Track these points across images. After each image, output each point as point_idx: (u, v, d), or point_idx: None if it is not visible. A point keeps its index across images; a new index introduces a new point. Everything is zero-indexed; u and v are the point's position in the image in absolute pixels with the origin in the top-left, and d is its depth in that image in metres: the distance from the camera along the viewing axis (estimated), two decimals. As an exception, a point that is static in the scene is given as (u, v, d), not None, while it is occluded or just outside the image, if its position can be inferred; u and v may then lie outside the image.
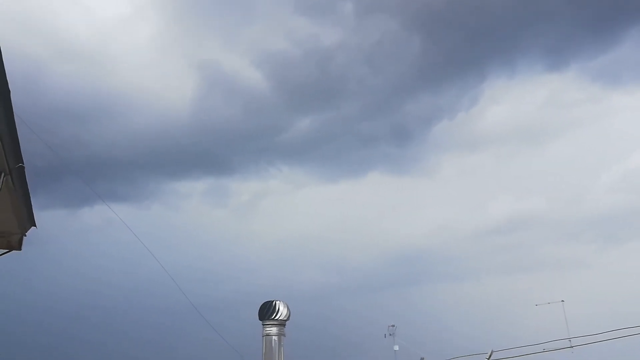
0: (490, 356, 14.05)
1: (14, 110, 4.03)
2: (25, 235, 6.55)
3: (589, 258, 48.73)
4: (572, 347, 14.36)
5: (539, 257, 50.68)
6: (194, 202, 56.51)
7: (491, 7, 45.00)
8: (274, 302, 14.35)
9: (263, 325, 14.32)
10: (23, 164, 4.76)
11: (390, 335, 23.05)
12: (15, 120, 4.15)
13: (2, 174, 4.64)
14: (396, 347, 22.44)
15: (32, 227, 6.34)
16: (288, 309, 14.34)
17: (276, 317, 14.19)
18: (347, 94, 51.96)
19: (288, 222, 59.16)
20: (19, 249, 6.73)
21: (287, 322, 14.39)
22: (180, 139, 49.25)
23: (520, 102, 56.25)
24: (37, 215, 6.13)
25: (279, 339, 14.16)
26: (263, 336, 14.24)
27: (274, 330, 14.16)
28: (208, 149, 53.24)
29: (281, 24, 47.35)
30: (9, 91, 3.85)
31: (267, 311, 14.28)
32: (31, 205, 5.79)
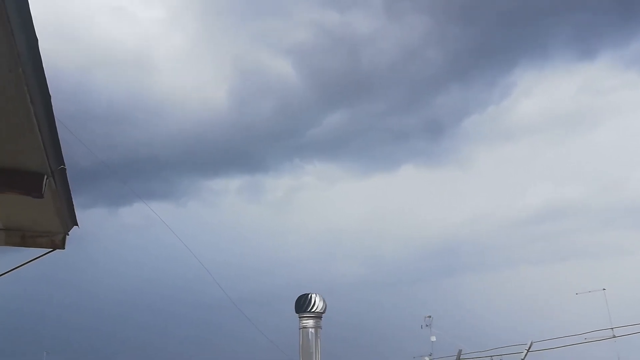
0: (530, 347, 13.85)
1: (55, 114, 4.16)
2: (68, 235, 6.74)
3: (630, 245, 47.39)
4: (614, 337, 14.02)
5: (579, 246, 49.61)
6: (230, 199, 57.20)
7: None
8: (310, 295, 14.44)
9: (300, 318, 14.43)
10: (65, 166, 4.90)
11: (427, 326, 22.91)
12: (57, 124, 4.28)
13: (45, 177, 4.78)
14: (433, 338, 22.28)
15: (75, 226, 6.52)
16: (324, 301, 14.40)
17: (312, 310, 14.28)
18: (377, 87, 51.67)
19: (323, 217, 59.36)
20: (63, 247, 6.92)
21: (323, 314, 14.47)
22: (215, 137, 49.88)
23: (554, 91, 54.95)
24: (79, 214, 6.31)
25: (316, 332, 14.25)
26: (300, 329, 14.35)
27: (310, 322, 14.25)
28: (243, 147, 53.77)
29: (312, 18, 47.30)
30: (50, 96, 3.96)
31: (303, 304, 14.38)
32: (73, 206, 5.96)
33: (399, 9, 47.55)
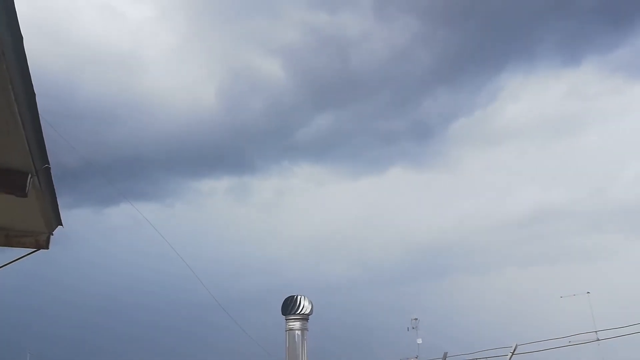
0: (514, 350, 13.92)
1: (40, 113, 4.12)
2: (53, 235, 6.67)
3: (615, 249, 47.89)
4: (598, 340, 14.14)
5: (564, 249, 50.04)
6: (217, 200, 57.01)
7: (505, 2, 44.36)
8: (296, 297, 14.40)
9: (286, 320, 14.40)
10: (49, 165, 4.86)
11: (414, 328, 23.02)
12: (41, 123, 4.24)
13: (29, 176, 4.73)
14: (419, 341, 22.40)
15: (59, 226, 6.46)
16: (311, 303, 14.38)
17: (299, 312, 14.25)
18: (366, 89, 51.82)
19: (311, 219, 59.39)
20: (47, 247, 6.85)
21: (310, 316, 14.44)
22: (203, 137, 49.73)
23: (541, 95, 55.45)
24: (64, 214, 6.25)
25: (302, 334, 14.22)
26: (286, 331, 14.31)
27: (297, 325, 14.23)
28: (231, 148, 53.64)
29: (302, 19, 47.34)
30: (34, 94, 3.93)
31: (290, 306, 14.35)
32: (57, 205, 5.90)
33: (388, 12, 47.76)
